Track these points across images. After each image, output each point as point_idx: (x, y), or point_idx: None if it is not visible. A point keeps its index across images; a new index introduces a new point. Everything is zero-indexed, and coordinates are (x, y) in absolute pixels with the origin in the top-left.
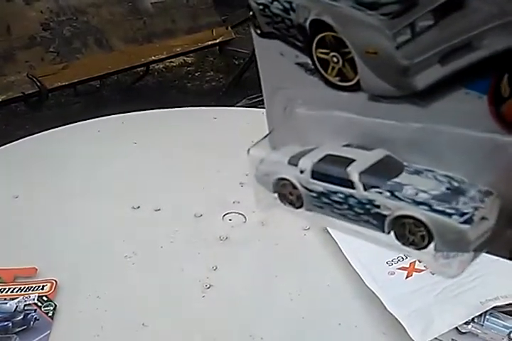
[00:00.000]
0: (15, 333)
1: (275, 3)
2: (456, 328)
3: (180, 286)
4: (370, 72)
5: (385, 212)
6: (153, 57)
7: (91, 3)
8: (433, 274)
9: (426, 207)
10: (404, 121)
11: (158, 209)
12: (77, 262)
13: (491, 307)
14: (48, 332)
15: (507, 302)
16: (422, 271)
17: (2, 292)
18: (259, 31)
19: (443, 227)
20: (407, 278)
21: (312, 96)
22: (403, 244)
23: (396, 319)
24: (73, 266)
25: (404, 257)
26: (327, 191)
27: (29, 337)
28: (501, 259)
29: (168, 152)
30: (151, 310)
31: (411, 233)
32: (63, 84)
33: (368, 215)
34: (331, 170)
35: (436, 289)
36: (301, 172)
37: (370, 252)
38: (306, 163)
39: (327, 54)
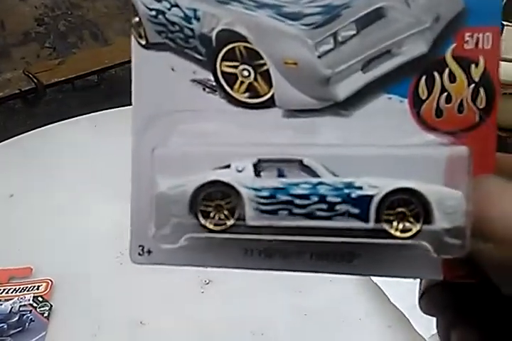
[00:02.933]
0: (9, 335)
1: (174, 9)
2: None
3: (178, 283)
4: (288, 84)
5: (370, 192)
6: None
7: None
8: None
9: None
10: (325, 134)
11: None
12: (73, 261)
13: None
14: (44, 333)
15: None
16: None
17: None
18: (143, 42)
19: (440, 195)
20: None
21: (210, 118)
22: (390, 235)
23: (401, 312)
24: (69, 264)
25: None
26: (286, 185)
27: (24, 339)
28: None
29: None
30: (148, 307)
31: (400, 214)
32: (60, 79)
33: (346, 203)
34: (280, 162)
35: None
36: (239, 171)
37: None
38: (242, 163)
39: (236, 67)
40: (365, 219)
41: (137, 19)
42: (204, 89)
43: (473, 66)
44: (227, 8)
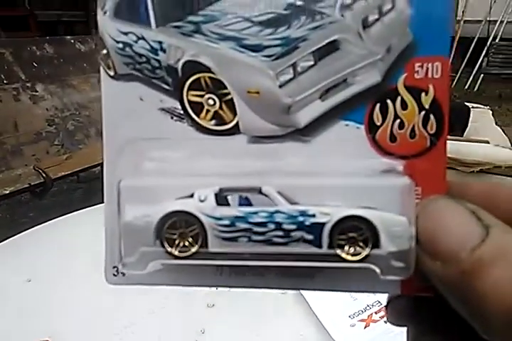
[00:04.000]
0: None
1: (140, 42)
2: None
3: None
4: (251, 112)
5: (322, 220)
6: None
7: (92, 98)
8: (386, 322)
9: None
10: (286, 159)
11: None
12: (84, 333)
13: None
14: None
15: None
16: (378, 321)
17: None
18: (112, 73)
19: (387, 222)
20: (365, 328)
21: (178, 145)
22: (342, 259)
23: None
24: (81, 337)
25: (363, 310)
26: (245, 214)
27: None
28: None
29: None
30: None
31: (351, 239)
32: (67, 173)
33: (301, 230)
34: (241, 191)
35: (390, 333)
36: (202, 201)
37: (335, 308)
38: (205, 192)
39: (201, 96)
40: (318, 245)
41: (105, 51)
42: (172, 118)
43: (423, 94)
44: (191, 41)
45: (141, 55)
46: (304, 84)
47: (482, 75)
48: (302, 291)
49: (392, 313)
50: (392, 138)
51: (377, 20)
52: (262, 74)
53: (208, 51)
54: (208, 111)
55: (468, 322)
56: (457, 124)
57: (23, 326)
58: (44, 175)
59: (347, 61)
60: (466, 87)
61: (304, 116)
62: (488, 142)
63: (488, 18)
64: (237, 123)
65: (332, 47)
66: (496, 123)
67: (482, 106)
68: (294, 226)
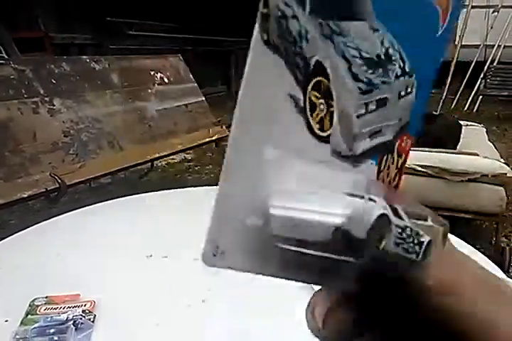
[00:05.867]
0: (67, 332)
1: (294, 21)
2: None
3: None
4: (338, 128)
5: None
6: (157, 154)
7: (105, 113)
8: None
9: None
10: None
11: (166, 257)
12: (109, 289)
13: None
14: (91, 330)
15: None
16: None
17: (55, 309)
18: (266, 37)
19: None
20: None
21: (288, 137)
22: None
23: None
24: (105, 292)
25: None
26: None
27: (78, 334)
28: None
29: (165, 227)
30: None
31: None
32: (80, 180)
33: None
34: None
35: None
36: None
37: None
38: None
39: (318, 98)
40: None
41: (266, 10)
42: (295, 107)
43: (400, 158)
44: (326, 43)
45: (290, 34)
46: (367, 122)
47: (481, 97)
48: None
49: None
50: (384, 179)
51: (402, 96)
52: (352, 101)
53: (332, 60)
54: (317, 114)
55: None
56: (449, 139)
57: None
58: (59, 181)
59: (386, 116)
60: (466, 108)
61: (360, 147)
62: (477, 154)
63: (485, 43)
64: (329, 135)
65: (384, 101)
66: (489, 140)
67: (476, 124)
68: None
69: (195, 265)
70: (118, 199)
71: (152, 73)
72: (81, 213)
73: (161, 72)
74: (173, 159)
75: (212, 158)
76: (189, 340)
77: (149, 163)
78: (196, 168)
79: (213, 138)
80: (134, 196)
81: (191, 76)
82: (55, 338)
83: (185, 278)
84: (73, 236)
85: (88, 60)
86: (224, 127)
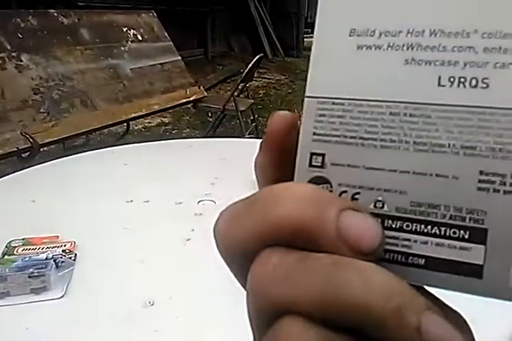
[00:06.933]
0: (49, 270)
1: None
2: None
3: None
4: None
5: None
6: (133, 114)
7: (76, 70)
8: None
9: None
10: None
11: (147, 201)
12: (89, 231)
13: None
14: (72, 267)
15: None
16: None
17: (34, 250)
18: None
19: None
20: None
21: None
22: None
23: None
24: (86, 232)
25: None
26: None
27: (59, 272)
28: None
29: (152, 167)
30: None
31: None
32: (53, 139)
33: None
34: None
35: None
36: None
37: None
38: None
39: None
40: None
41: None
42: None
43: None
44: None
45: None
46: None
47: None
48: None
49: None
50: None
51: None
52: None
53: None
54: None
55: None
56: None
57: None
58: (31, 140)
59: None
60: None
61: None
62: None
63: None
64: None
65: None
66: None
67: None
68: None
69: (178, 208)
70: (94, 151)
71: (125, 29)
72: (57, 164)
73: (134, 29)
74: (149, 122)
75: (189, 122)
76: (174, 275)
77: (125, 126)
78: (174, 132)
79: (191, 98)
80: (109, 148)
81: (166, 34)
82: (35, 273)
83: (168, 220)
84: (49, 185)
85: (56, 14)
86: (202, 88)
